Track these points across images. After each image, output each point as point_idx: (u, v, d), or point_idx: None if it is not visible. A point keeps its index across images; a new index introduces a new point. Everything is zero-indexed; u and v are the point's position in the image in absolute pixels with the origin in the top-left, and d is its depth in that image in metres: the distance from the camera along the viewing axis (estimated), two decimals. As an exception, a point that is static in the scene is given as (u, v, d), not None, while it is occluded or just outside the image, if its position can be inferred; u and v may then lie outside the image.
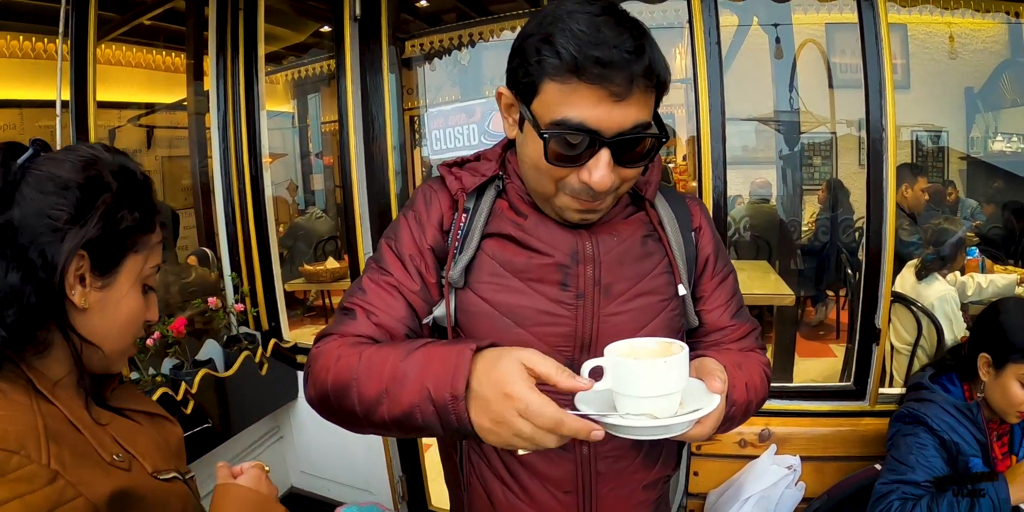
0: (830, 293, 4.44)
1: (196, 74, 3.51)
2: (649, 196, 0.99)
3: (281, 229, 4.74)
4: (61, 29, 1.94)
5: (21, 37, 3.02)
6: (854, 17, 1.83)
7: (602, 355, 0.82)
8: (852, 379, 1.99)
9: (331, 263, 4.14)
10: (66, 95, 1.94)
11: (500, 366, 0.69)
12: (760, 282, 3.22)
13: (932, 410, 1.51)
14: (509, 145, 1.00)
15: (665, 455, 1.02)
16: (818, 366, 3.74)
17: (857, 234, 4.43)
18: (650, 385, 0.70)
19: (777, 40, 4.40)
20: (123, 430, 0.83)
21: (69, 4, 1.94)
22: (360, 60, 2.34)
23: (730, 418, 0.87)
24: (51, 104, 2.02)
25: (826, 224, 4.41)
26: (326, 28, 4.04)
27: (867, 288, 1.89)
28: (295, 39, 3.93)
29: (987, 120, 4.49)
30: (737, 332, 1.01)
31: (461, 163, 1.01)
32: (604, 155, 0.80)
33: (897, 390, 2.06)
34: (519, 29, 0.87)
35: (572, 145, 0.81)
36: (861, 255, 4.08)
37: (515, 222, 0.94)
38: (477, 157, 1.02)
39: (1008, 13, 3.82)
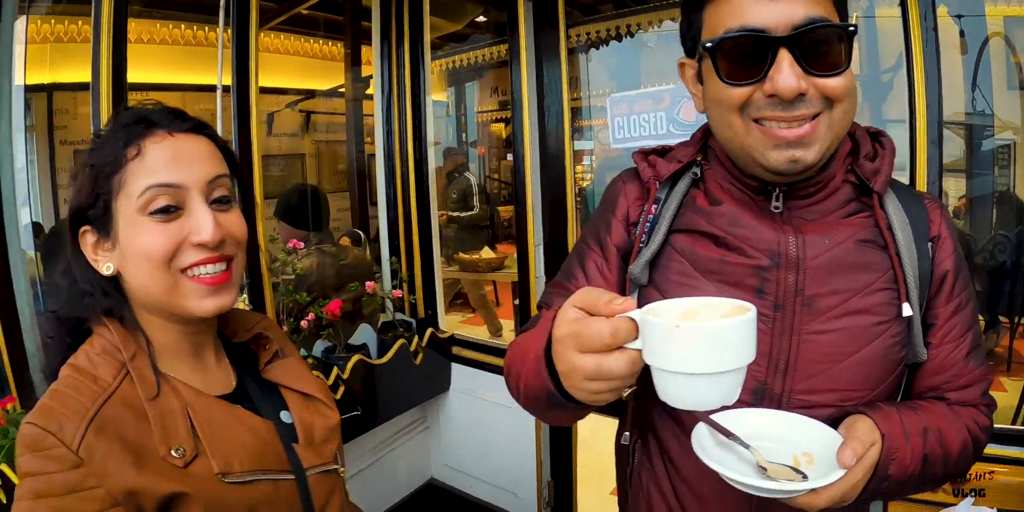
0: (1004, 319, 3.94)
1: (354, 62, 3.62)
2: (878, 188, 0.82)
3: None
4: (221, 18, 2.00)
5: (183, 25, 3.20)
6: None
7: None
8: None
9: (487, 252, 4.24)
10: (227, 80, 1.99)
11: (560, 314, 0.62)
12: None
13: None
14: (710, 131, 0.91)
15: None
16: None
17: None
18: (679, 356, 0.54)
19: (962, 33, 3.94)
20: (217, 421, 0.77)
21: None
22: (536, 42, 2.25)
23: (883, 493, 0.74)
24: (211, 88, 2.10)
25: (1004, 242, 3.91)
26: (481, 18, 4.03)
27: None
28: (450, 28, 3.97)
29: None
30: (964, 378, 0.83)
31: (661, 152, 0.95)
32: (783, 56, 0.71)
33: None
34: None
35: (743, 55, 0.73)
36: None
37: (707, 212, 0.85)
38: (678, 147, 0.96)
39: None
